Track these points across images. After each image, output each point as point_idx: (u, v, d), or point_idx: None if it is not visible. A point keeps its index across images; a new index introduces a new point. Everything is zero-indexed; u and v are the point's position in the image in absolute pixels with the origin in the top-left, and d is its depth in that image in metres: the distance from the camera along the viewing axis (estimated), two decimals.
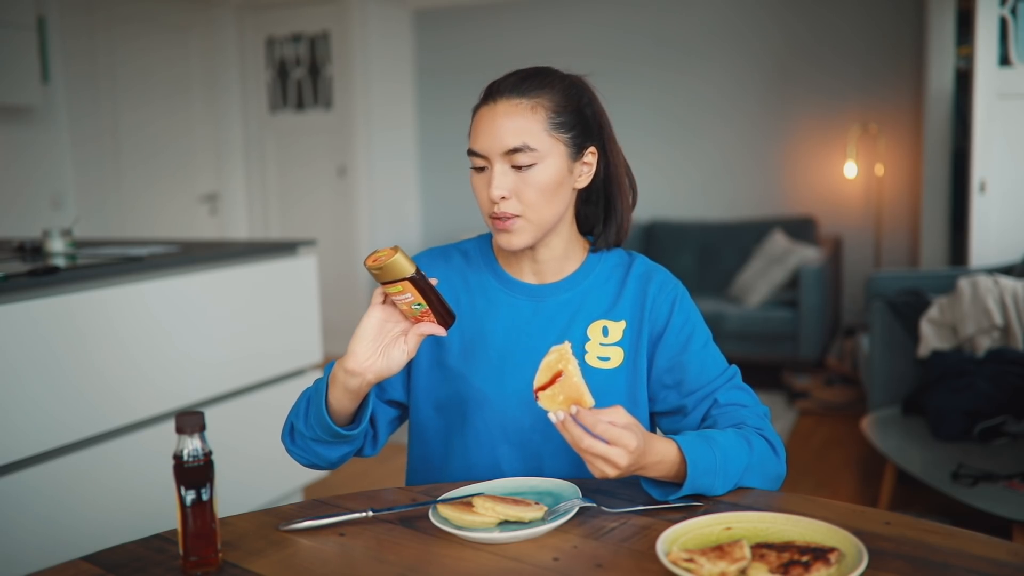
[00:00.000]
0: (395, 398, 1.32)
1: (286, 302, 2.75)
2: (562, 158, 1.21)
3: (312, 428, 1.20)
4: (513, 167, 1.18)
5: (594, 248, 1.32)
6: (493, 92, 1.21)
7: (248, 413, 2.59)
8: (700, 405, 1.24)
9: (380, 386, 1.30)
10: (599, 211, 1.33)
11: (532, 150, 1.17)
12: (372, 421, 1.29)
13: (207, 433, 0.98)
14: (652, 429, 1.32)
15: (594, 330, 1.26)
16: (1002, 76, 3.40)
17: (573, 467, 1.25)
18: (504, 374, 1.25)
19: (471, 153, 1.20)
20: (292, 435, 1.25)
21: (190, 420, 0.97)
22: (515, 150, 1.17)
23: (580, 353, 1.24)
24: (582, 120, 1.23)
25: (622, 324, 1.26)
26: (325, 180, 5.50)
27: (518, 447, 1.26)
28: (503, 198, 1.18)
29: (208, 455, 0.97)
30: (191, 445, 0.97)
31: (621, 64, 5.20)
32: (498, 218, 1.20)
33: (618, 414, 1.01)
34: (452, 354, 1.27)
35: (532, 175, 1.18)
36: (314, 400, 1.19)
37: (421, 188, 5.88)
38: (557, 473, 1.24)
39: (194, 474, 0.96)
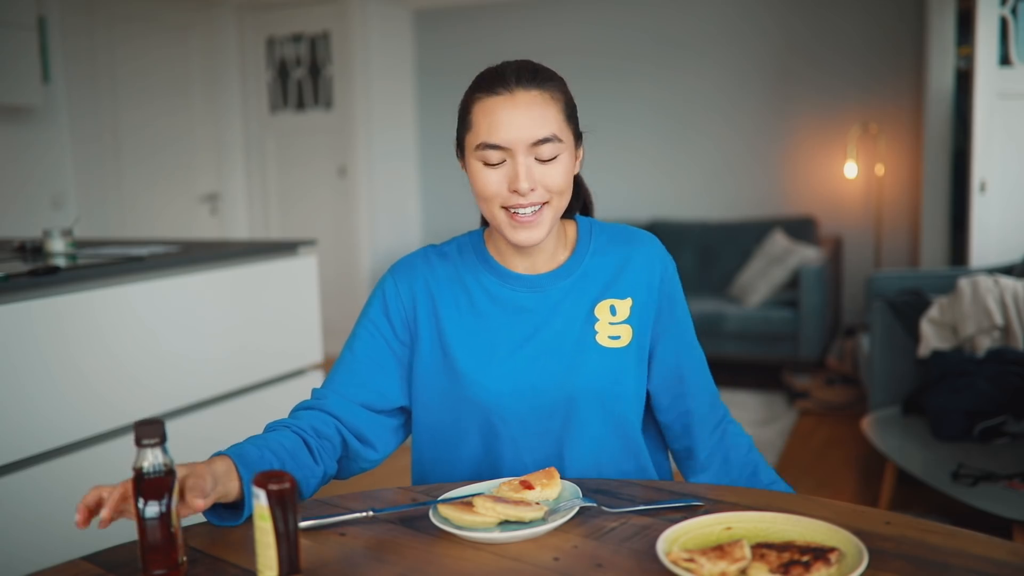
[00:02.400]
0: (397, 405, 1.29)
1: (286, 302, 2.75)
2: (572, 148, 1.22)
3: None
4: (537, 158, 1.17)
5: (581, 225, 1.32)
6: (504, 82, 1.16)
7: (248, 413, 2.59)
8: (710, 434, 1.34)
9: (374, 399, 1.27)
10: (577, 195, 1.38)
11: (559, 141, 1.18)
12: (363, 436, 1.26)
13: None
14: (647, 407, 1.34)
15: (601, 310, 1.26)
16: (1002, 76, 3.40)
17: (593, 457, 1.27)
18: (517, 369, 1.24)
19: (486, 147, 1.16)
20: None
21: (150, 430, 0.91)
22: (543, 141, 1.16)
23: (591, 333, 1.25)
24: (576, 111, 1.25)
25: (628, 301, 1.26)
26: (325, 180, 5.50)
27: (537, 438, 1.25)
28: (531, 189, 1.17)
29: (169, 465, 0.92)
30: (152, 457, 0.91)
31: (621, 63, 5.20)
32: (519, 213, 1.18)
33: None
34: (458, 355, 1.26)
35: (556, 164, 1.18)
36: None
37: (421, 188, 5.88)
38: (578, 464, 1.25)
39: (155, 486, 0.91)
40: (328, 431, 1.22)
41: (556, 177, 1.18)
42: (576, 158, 1.24)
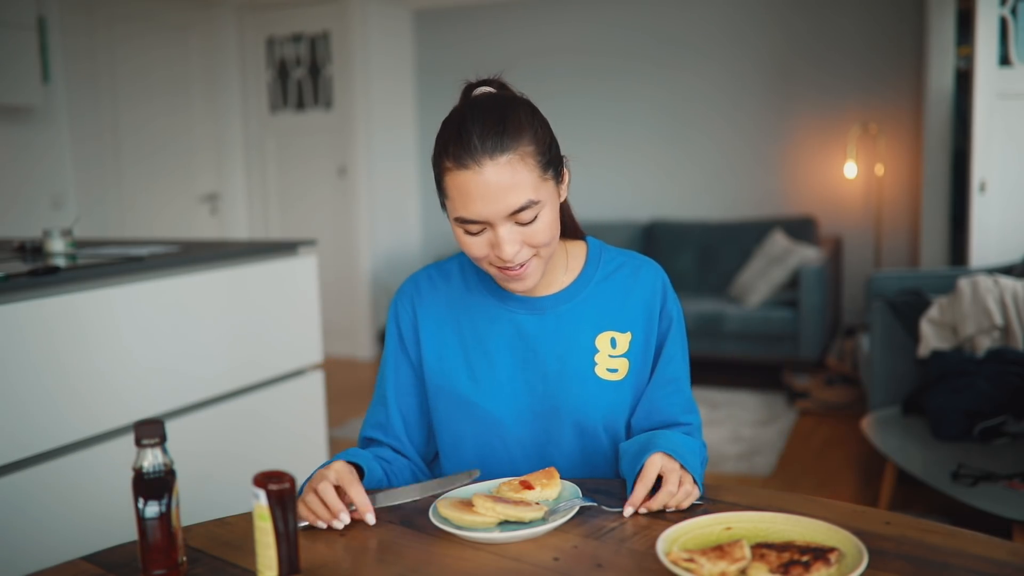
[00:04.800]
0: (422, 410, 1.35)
1: (286, 302, 2.75)
2: (553, 191, 1.17)
3: None
4: (517, 223, 1.13)
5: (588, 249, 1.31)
6: (471, 154, 1.10)
7: (248, 413, 2.59)
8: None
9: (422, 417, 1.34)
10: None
11: (535, 203, 1.13)
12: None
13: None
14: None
15: (602, 341, 1.25)
16: (1002, 76, 3.40)
17: (587, 475, 1.27)
18: (516, 392, 1.25)
19: (464, 221, 1.13)
20: None
21: (150, 430, 0.92)
22: (520, 209, 1.12)
23: (590, 364, 1.24)
24: (554, 145, 1.18)
25: (628, 336, 1.25)
26: (325, 180, 5.50)
27: (535, 461, 1.27)
28: (517, 252, 1.14)
29: (169, 465, 0.93)
30: (152, 457, 0.92)
31: (621, 63, 5.20)
32: (508, 269, 1.16)
33: (647, 477, 1.08)
34: (457, 376, 1.27)
35: (537, 222, 1.14)
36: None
37: (421, 188, 5.88)
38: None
39: (155, 486, 0.92)
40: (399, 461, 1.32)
41: (540, 234, 1.15)
42: (559, 195, 1.20)
